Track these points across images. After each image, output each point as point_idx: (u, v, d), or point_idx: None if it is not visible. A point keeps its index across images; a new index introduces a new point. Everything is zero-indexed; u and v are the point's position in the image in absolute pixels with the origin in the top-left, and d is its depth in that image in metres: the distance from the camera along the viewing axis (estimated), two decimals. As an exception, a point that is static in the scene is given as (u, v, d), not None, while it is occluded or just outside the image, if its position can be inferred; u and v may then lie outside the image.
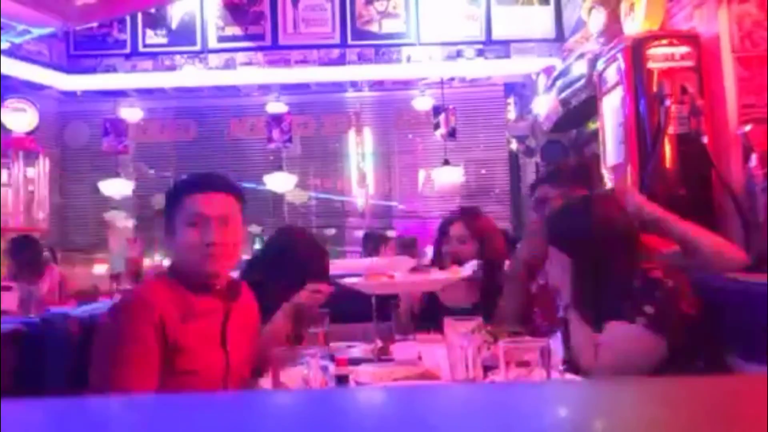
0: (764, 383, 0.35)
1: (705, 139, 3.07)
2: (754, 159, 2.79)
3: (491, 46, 6.09)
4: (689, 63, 3.24)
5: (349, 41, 6.14)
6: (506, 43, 6.08)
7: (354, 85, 6.69)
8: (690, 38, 3.30)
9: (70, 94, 6.36)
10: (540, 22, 6.05)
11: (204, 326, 1.34)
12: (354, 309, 1.74)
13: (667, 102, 3.13)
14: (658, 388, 0.37)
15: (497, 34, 6.08)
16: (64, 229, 6.66)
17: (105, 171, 6.48)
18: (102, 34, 6.14)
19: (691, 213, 3.14)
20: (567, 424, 0.30)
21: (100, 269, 6.16)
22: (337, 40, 6.18)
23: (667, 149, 3.14)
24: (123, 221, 6.64)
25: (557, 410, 0.33)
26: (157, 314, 1.27)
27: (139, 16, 6.12)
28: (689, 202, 3.15)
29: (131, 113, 6.58)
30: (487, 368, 1.33)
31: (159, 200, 5.28)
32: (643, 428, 0.30)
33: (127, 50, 6.18)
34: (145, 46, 6.20)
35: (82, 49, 6.17)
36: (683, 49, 3.26)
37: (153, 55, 6.18)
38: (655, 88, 3.21)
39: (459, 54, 6.13)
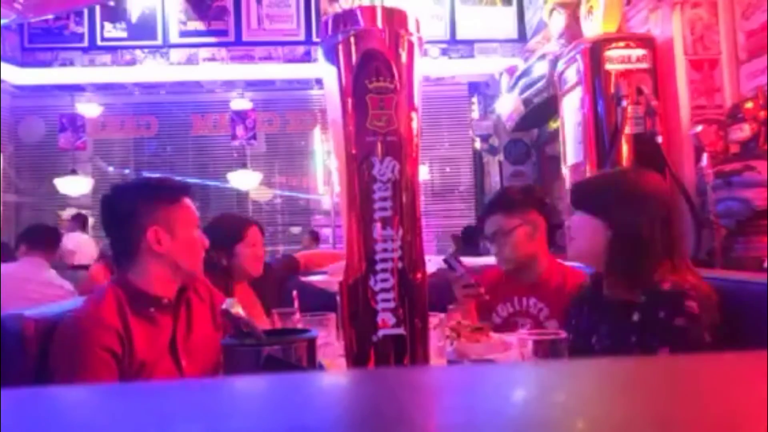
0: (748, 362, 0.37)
1: (659, 139, 3.18)
2: (704, 158, 2.90)
3: (455, 45, 6.16)
4: (645, 65, 3.35)
5: (315, 38, 6.12)
6: (470, 42, 6.15)
7: (319, 82, 6.67)
8: (645, 41, 3.41)
9: (25, 89, 6.16)
10: (503, 22, 6.14)
11: (153, 342, 1.30)
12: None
13: (624, 102, 3.22)
14: (630, 368, 0.38)
15: (461, 33, 6.15)
16: (19, 227, 6.44)
17: (61, 168, 6.30)
18: (58, 26, 5.96)
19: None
20: (533, 404, 0.31)
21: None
22: (302, 36, 6.15)
23: (624, 149, 3.24)
24: (81, 219, 6.46)
25: (526, 391, 0.34)
26: (113, 335, 1.22)
27: (97, 8, 5.96)
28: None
29: (89, 109, 6.41)
30: (451, 363, 1.36)
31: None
32: (611, 406, 0.31)
33: (85, 44, 6.01)
34: (103, 39, 6.04)
35: (37, 42, 5.98)
36: (639, 52, 3.36)
37: (112, 49, 6.03)
38: (612, 89, 3.31)
39: (424, 53, 6.17)
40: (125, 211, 1.32)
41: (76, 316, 1.29)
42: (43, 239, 3.04)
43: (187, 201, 1.37)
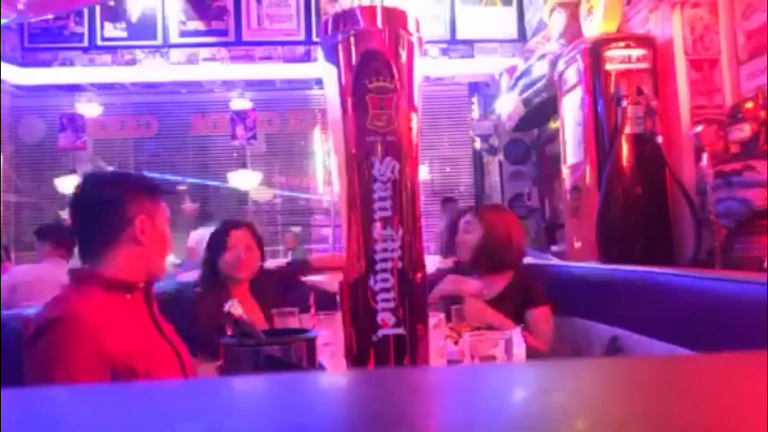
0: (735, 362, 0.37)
1: (659, 139, 3.18)
2: (704, 158, 2.90)
3: (455, 45, 6.15)
4: (645, 65, 3.34)
5: (314, 38, 6.11)
6: (470, 42, 6.15)
7: (319, 82, 6.65)
8: (645, 41, 3.41)
9: (25, 89, 6.16)
10: (503, 22, 6.14)
11: (139, 325, 1.30)
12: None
13: (624, 103, 3.22)
14: (627, 368, 0.38)
15: (461, 33, 6.15)
16: (19, 227, 6.44)
17: (61, 168, 6.29)
18: (58, 26, 5.95)
19: (647, 211, 3.28)
20: (532, 404, 0.31)
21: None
22: (302, 36, 6.14)
23: (624, 149, 3.24)
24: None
25: (526, 391, 0.34)
26: (96, 333, 1.18)
27: (98, 8, 5.96)
28: (645, 200, 3.27)
29: (89, 108, 6.41)
30: (452, 363, 1.36)
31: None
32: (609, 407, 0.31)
33: (85, 44, 6.01)
34: (103, 39, 6.04)
35: (37, 42, 5.98)
36: (639, 52, 3.36)
37: (112, 49, 6.03)
38: (612, 89, 3.30)
39: (424, 53, 6.16)
40: (112, 199, 1.31)
41: (52, 318, 1.20)
42: (66, 239, 3.03)
43: (163, 200, 1.40)
